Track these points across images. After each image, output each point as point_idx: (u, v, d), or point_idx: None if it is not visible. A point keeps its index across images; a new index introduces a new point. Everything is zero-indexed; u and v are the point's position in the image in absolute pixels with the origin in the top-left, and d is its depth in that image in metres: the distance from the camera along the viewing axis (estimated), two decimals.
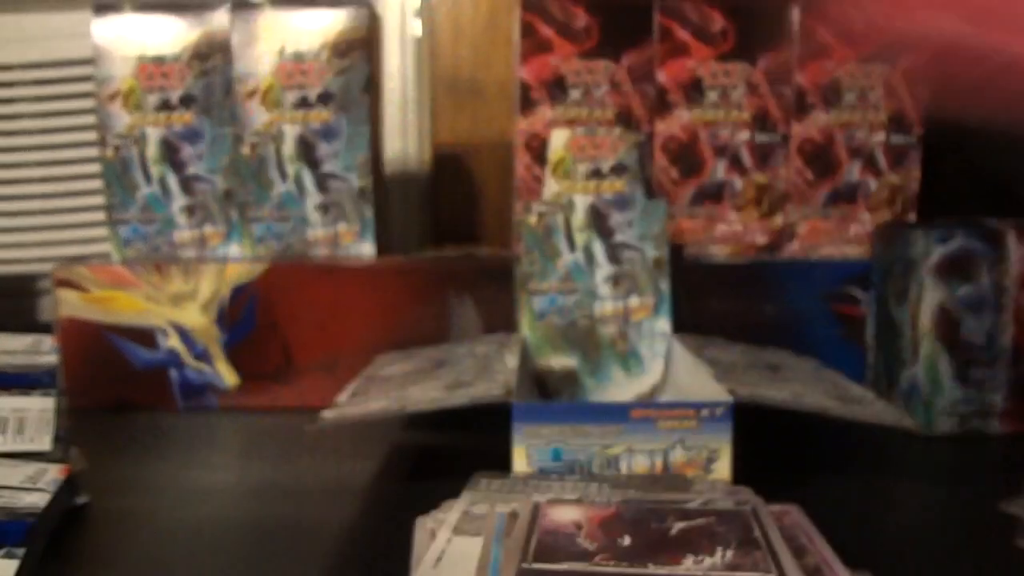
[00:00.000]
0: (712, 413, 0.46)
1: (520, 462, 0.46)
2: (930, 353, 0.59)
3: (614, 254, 0.65)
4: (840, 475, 0.52)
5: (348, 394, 0.57)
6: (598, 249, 0.65)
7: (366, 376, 0.61)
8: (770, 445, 0.56)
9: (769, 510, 0.37)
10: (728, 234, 0.73)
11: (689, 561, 0.32)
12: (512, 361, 0.56)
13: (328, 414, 0.52)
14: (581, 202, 0.65)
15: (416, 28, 0.96)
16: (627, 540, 0.34)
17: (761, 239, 0.73)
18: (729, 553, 0.33)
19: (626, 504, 0.37)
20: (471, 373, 0.55)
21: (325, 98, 0.71)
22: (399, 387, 0.55)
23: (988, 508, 0.46)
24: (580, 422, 0.46)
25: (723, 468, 0.47)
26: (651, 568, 0.32)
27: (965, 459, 0.56)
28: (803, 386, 0.54)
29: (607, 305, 0.65)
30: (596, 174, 0.65)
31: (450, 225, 0.98)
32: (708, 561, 0.32)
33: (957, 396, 0.59)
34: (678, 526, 0.35)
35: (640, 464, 0.46)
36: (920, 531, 0.45)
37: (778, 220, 0.73)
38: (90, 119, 0.94)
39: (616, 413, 0.46)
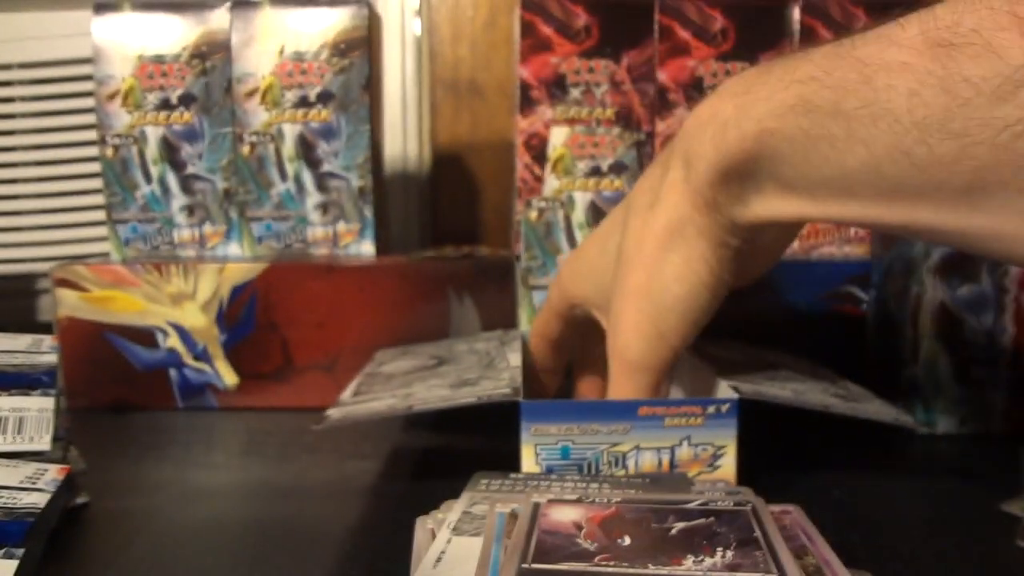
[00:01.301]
0: (718, 410, 0.46)
1: (528, 461, 0.46)
2: (930, 353, 0.59)
3: None
4: (840, 474, 0.52)
5: (351, 392, 0.57)
6: None
7: (367, 373, 0.61)
8: (771, 444, 0.56)
9: (769, 510, 0.37)
10: None
11: (689, 561, 0.32)
12: (515, 358, 0.56)
13: (334, 412, 0.52)
14: (581, 199, 0.65)
15: (416, 28, 0.96)
16: (627, 540, 0.34)
17: None
18: (729, 553, 0.33)
19: (626, 504, 0.37)
20: (475, 371, 0.55)
21: (325, 98, 0.71)
22: (403, 385, 0.55)
23: (988, 508, 0.46)
24: (589, 420, 0.46)
25: (728, 464, 0.47)
26: (651, 568, 0.32)
27: (965, 459, 0.56)
28: (803, 384, 0.54)
29: None
30: (595, 172, 0.65)
31: (450, 225, 0.98)
32: (708, 561, 0.32)
33: (957, 396, 0.59)
34: (678, 526, 0.35)
35: (647, 461, 0.46)
36: (920, 531, 0.45)
37: None
38: (89, 119, 0.94)
39: (625, 411, 0.46)
